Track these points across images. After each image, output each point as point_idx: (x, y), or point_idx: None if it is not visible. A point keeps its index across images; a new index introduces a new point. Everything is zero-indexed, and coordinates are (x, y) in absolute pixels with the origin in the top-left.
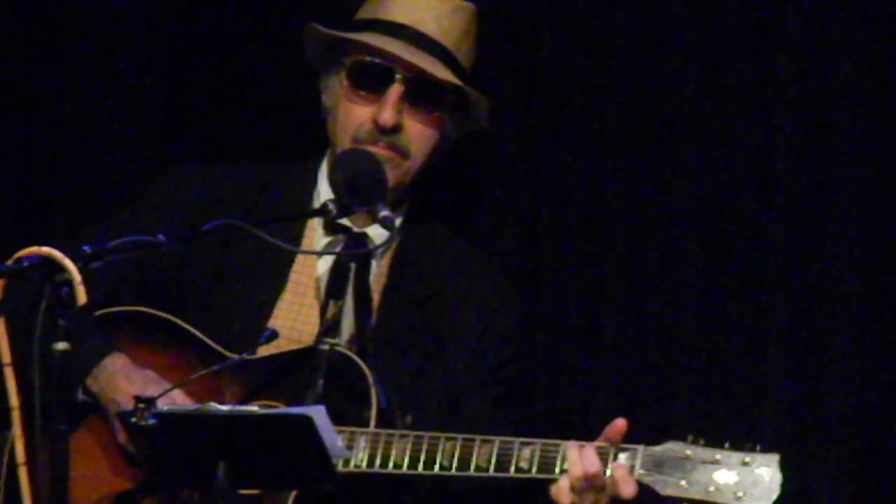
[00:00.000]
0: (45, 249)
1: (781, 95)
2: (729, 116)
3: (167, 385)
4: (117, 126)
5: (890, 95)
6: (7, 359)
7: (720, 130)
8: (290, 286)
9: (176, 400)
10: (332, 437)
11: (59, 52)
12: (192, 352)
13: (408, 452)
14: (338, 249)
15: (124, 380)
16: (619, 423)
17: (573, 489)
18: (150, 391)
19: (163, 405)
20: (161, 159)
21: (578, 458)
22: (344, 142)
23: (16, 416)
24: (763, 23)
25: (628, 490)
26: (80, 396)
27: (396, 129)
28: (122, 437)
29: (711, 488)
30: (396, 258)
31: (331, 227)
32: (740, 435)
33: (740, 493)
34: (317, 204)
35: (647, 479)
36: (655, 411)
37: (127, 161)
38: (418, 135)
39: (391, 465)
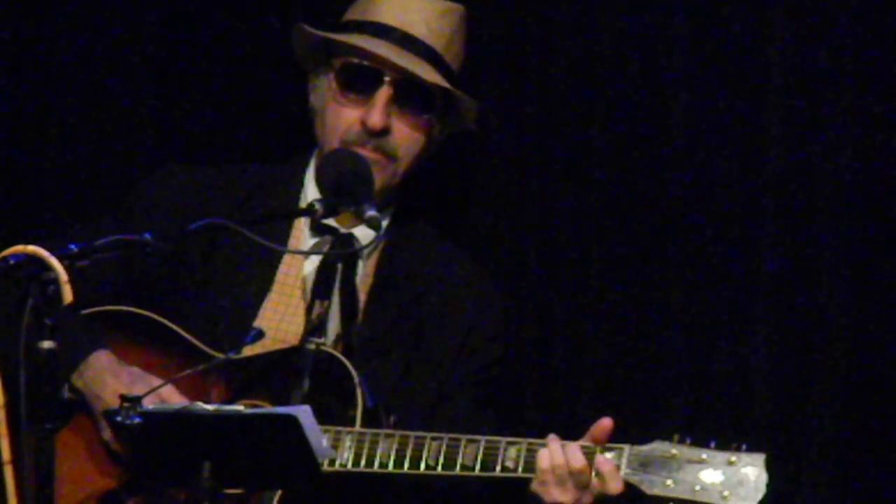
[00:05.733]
0: (31, 248)
1: (772, 99)
2: (722, 119)
3: (153, 382)
4: (105, 125)
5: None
6: None
7: (711, 132)
8: (276, 286)
9: (166, 396)
10: (318, 436)
11: (47, 54)
12: (178, 351)
13: (393, 452)
14: (324, 250)
15: (111, 377)
16: (605, 423)
17: (542, 482)
18: (137, 388)
19: (150, 403)
20: (149, 159)
21: (549, 454)
22: (331, 143)
23: (1, 415)
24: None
25: (615, 485)
26: (66, 394)
27: (384, 131)
28: (107, 434)
29: (697, 487)
30: (383, 259)
31: (317, 228)
32: (726, 434)
33: (726, 493)
34: (303, 204)
35: (633, 479)
36: (641, 411)
37: (115, 160)
38: (406, 137)
39: (377, 464)
